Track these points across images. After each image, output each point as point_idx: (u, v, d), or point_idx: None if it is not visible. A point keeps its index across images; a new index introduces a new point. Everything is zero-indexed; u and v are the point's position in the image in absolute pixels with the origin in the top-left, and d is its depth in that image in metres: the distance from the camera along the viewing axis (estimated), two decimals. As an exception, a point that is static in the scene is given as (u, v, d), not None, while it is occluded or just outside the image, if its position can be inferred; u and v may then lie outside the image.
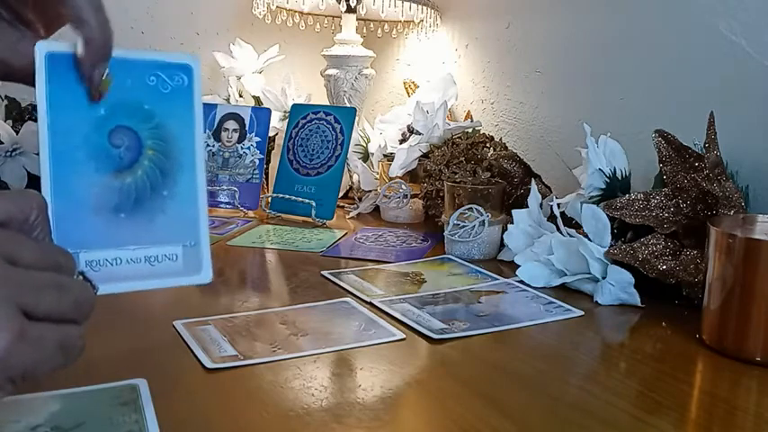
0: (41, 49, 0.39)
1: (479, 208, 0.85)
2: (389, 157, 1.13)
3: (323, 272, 0.79)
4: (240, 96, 1.34)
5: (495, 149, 1.01)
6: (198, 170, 0.44)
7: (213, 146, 1.17)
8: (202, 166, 0.44)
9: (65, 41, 0.40)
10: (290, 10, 1.36)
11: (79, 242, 0.40)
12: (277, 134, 1.26)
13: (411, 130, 1.12)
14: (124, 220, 0.41)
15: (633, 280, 0.68)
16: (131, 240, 0.42)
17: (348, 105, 1.29)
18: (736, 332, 0.56)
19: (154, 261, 0.42)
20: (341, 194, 1.19)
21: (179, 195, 0.43)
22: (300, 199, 1.07)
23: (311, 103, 1.30)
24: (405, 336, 0.60)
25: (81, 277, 0.38)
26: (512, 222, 0.83)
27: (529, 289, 0.74)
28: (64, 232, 0.39)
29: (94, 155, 0.41)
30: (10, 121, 1.07)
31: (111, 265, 0.41)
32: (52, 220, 0.38)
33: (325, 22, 1.40)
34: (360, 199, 1.16)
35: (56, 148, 0.39)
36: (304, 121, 1.15)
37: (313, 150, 1.12)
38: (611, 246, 0.71)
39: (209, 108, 1.19)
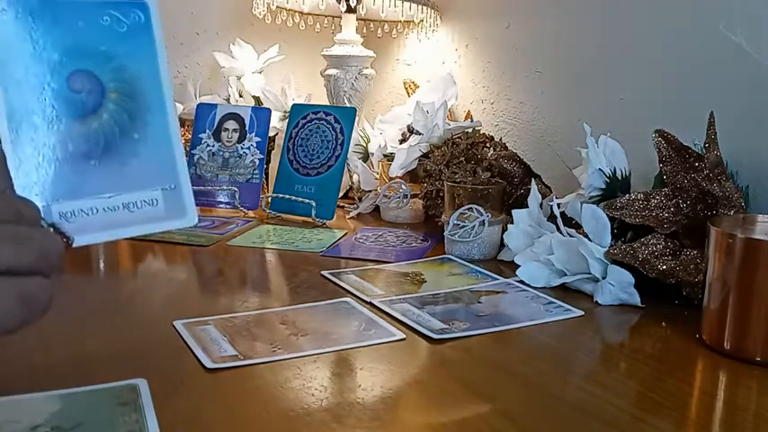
0: None
1: (479, 208, 0.85)
2: (389, 157, 1.13)
3: (323, 272, 0.79)
4: (240, 96, 1.34)
5: (495, 149, 1.01)
6: (168, 110, 0.42)
7: (213, 146, 1.17)
8: (172, 106, 0.42)
9: None
10: (290, 10, 1.36)
11: (49, 194, 0.38)
12: (277, 134, 1.26)
13: (411, 130, 1.12)
14: (95, 168, 0.40)
15: (633, 280, 0.68)
16: (106, 188, 0.40)
17: (348, 105, 1.29)
18: (735, 332, 0.56)
19: (133, 207, 0.41)
20: (341, 194, 1.19)
21: (151, 138, 0.41)
22: (300, 199, 1.07)
23: (311, 103, 1.30)
24: (405, 336, 0.60)
25: (51, 229, 0.37)
26: (512, 222, 0.83)
27: (529, 289, 0.74)
28: (31, 184, 0.38)
29: (54, 102, 0.39)
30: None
31: (87, 214, 0.39)
32: (16, 172, 0.37)
33: (325, 22, 1.40)
34: (360, 199, 1.16)
35: (11, 99, 0.37)
36: (304, 121, 1.14)
37: (313, 150, 1.12)
38: (611, 246, 0.71)
39: (209, 108, 1.19)
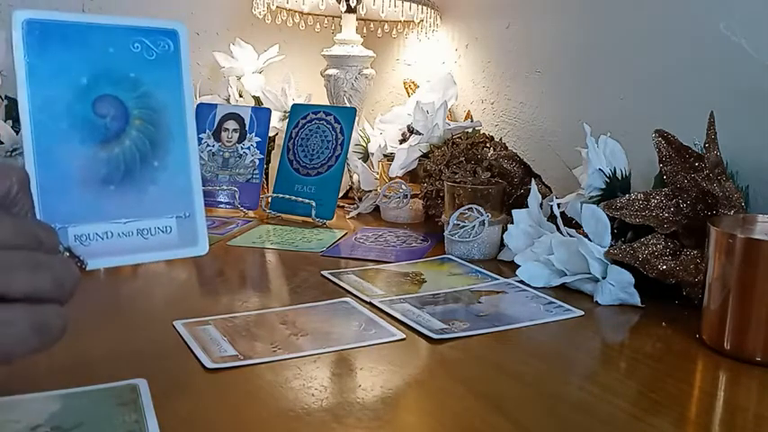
0: (19, 16, 0.38)
1: (479, 208, 0.85)
2: (389, 157, 1.13)
3: (323, 272, 0.79)
4: (240, 96, 1.34)
5: (495, 149, 1.01)
6: (189, 139, 0.42)
7: (213, 146, 1.17)
8: (194, 135, 0.43)
9: (43, 10, 0.39)
10: (290, 10, 1.36)
11: (66, 216, 0.39)
12: (277, 134, 1.26)
13: (411, 130, 1.12)
14: (114, 193, 0.40)
15: (633, 280, 0.68)
16: (122, 213, 0.41)
17: (348, 105, 1.29)
18: (735, 332, 0.56)
19: (147, 234, 0.41)
20: (341, 194, 1.19)
21: (170, 166, 0.42)
22: (300, 199, 1.07)
23: (311, 103, 1.30)
24: (405, 336, 0.60)
25: (67, 253, 0.37)
26: (512, 222, 0.83)
27: (529, 289, 0.74)
28: (50, 206, 0.38)
29: (79, 125, 0.39)
30: (10, 121, 1.07)
31: (102, 239, 0.40)
32: (37, 194, 0.37)
33: (325, 22, 1.40)
34: (360, 199, 1.16)
35: (37, 120, 0.38)
36: (304, 121, 1.15)
37: (313, 150, 1.12)
38: (611, 246, 0.71)
39: (210, 108, 1.19)
